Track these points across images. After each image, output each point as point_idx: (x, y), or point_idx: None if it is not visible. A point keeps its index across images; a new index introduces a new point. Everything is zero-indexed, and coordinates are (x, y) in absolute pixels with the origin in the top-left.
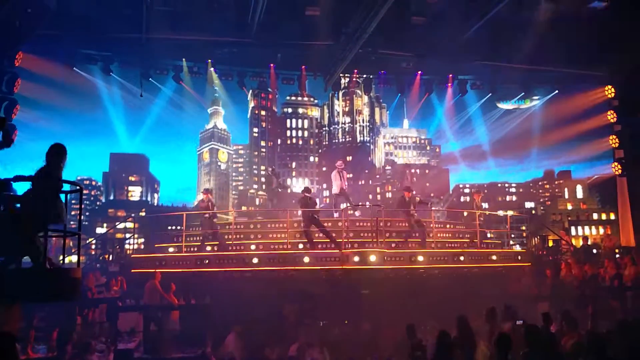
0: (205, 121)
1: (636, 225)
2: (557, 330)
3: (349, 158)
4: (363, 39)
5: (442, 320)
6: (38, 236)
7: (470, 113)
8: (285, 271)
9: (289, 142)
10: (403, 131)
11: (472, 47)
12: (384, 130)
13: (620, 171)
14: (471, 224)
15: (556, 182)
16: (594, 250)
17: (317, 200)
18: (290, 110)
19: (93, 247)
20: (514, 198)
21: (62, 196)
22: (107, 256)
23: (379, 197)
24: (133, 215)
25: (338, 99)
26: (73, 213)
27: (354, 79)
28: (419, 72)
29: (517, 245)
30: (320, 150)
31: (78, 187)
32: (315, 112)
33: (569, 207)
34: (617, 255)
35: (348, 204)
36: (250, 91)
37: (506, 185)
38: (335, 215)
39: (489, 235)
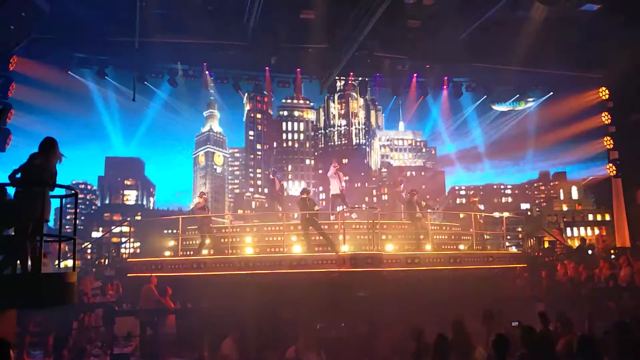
0: (200, 124)
1: (631, 226)
2: (552, 331)
3: (345, 160)
4: (358, 41)
5: (438, 322)
6: (26, 237)
7: (466, 115)
8: (282, 274)
9: (284, 145)
10: (399, 133)
11: (467, 50)
12: (379, 132)
13: (614, 172)
14: (468, 225)
15: (551, 184)
16: (589, 251)
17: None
18: (285, 113)
19: (89, 251)
20: (510, 200)
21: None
22: (102, 260)
23: (375, 199)
24: (129, 219)
25: (334, 102)
26: (68, 217)
27: (350, 82)
28: (415, 75)
29: (513, 247)
30: (316, 153)
31: (73, 192)
32: (311, 115)
33: (565, 208)
34: (613, 256)
35: (345, 206)
36: (246, 94)
37: (502, 186)
38: (332, 217)
39: (485, 237)
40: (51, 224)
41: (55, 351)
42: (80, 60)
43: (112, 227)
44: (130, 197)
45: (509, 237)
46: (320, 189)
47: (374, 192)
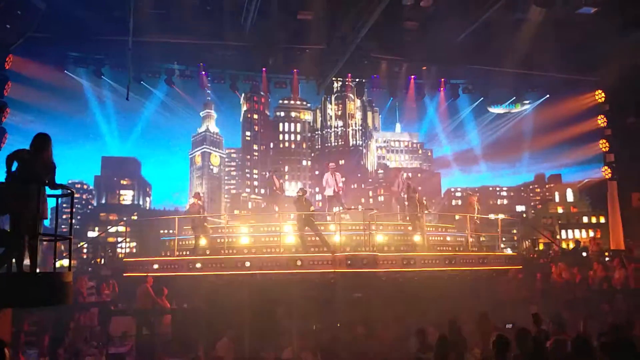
0: (197, 124)
1: (626, 228)
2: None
3: (342, 162)
4: (355, 43)
5: (434, 323)
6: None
7: (462, 117)
8: (278, 275)
9: (281, 145)
10: (395, 135)
11: (464, 52)
12: (376, 134)
13: (610, 175)
14: (465, 227)
15: (547, 186)
16: (584, 254)
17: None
18: (282, 113)
19: (85, 251)
20: (505, 202)
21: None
22: (99, 260)
23: (371, 200)
24: (125, 219)
25: (330, 103)
26: (64, 217)
27: (347, 83)
28: (411, 76)
29: (508, 249)
30: (312, 154)
31: (70, 191)
32: (307, 116)
33: (560, 210)
34: (607, 258)
35: (341, 207)
36: (243, 95)
37: (497, 188)
38: (328, 218)
39: (480, 238)
40: (47, 223)
41: (51, 350)
42: (76, 60)
43: (108, 227)
44: (127, 196)
45: (504, 239)
46: (317, 189)
47: (371, 194)
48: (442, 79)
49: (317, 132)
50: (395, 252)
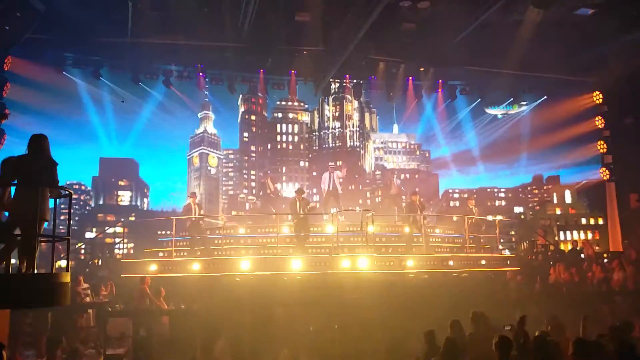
0: (195, 126)
1: (624, 230)
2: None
3: (339, 163)
4: (353, 44)
5: (431, 325)
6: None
7: (460, 118)
8: (275, 276)
9: (279, 147)
10: (393, 136)
11: (462, 53)
12: (373, 135)
13: (608, 176)
14: (462, 229)
15: (545, 187)
16: (582, 255)
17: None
18: (280, 115)
19: (82, 251)
20: (503, 203)
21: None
22: (96, 261)
23: (369, 201)
24: (122, 220)
25: (328, 104)
26: (62, 217)
27: (345, 84)
28: (409, 78)
29: (506, 250)
30: (310, 155)
31: (67, 192)
32: (305, 117)
33: (558, 212)
34: (605, 260)
35: (337, 208)
36: (241, 96)
37: (495, 190)
38: (325, 218)
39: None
40: (45, 224)
41: (48, 352)
42: (74, 61)
43: (106, 228)
44: (124, 197)
45: (502, 240)
46: (314, 190)
47: (368, 195)
48: (440, 80)
49: (314, 133)
50: (393, 254)
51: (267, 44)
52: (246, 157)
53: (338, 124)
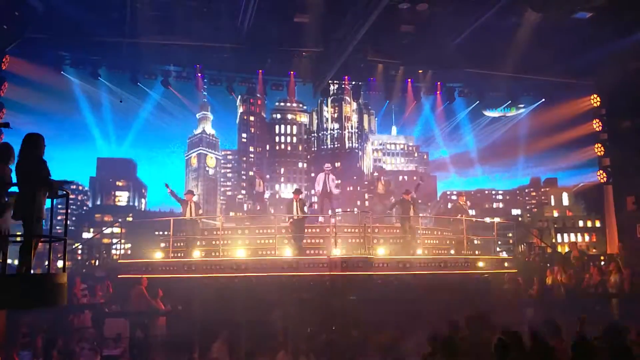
0: (193, 126)
1: (621, 232)
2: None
3: (338, 164)
4: (352, 46)
5: (429, 326)
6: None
7: (458, 120)
8: (273, 277)
9: (277, 147)
10: (391, 138)
11: (460, 55)
12: (372, 136)
13: (605, 179)
14: (458, 230)
15: (542, 190)
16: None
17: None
18: (279, 116)
19: (79, 252)
20: (501, 205)
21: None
22: (93, 261)
23: (367, 203)
24: (120, 220)
25: (327, 106)
26: (59, 218)
27: (344, 86)
28: (408, 80)
29: (504, 252)
30: (309, 157)
31: (65, 192)
32: (304, 118)
33: (555, 214)
34: (602, 263)
35: (331, 210)
36: (239, 97)
37: (493, 192)
38: (321, 219)
39: (475, 242)
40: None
41: (45, 352)
42: (73, 60)
43: (103, 228)
44: (122, 198)
45: (499, 243)
46: (312, 192)
47: (366, 196)
48: (438, 83)
49: (313, 135)
50: (391, 255)
51: (266, 45)
52: (244, 158)
53: (337, 126)
